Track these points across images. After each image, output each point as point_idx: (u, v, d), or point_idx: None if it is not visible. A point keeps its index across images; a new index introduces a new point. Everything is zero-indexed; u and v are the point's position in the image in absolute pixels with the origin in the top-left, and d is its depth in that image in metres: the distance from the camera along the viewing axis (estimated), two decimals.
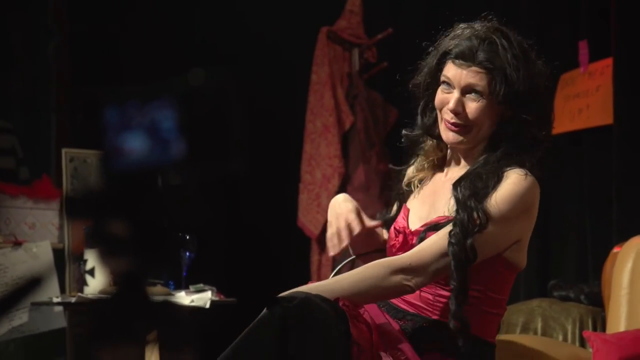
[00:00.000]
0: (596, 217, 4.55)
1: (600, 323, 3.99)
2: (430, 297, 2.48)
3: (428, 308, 2.48)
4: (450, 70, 2.51)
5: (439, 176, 2.66)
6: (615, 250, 3.74)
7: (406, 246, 2.51)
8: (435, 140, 2.64)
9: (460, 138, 2.51)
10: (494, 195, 2.40)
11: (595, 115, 4.59)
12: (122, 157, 1.07)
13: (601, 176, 4.53)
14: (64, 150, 4.52)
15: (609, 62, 4.51)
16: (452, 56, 2.51)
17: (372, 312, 2.47)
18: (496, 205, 2.39)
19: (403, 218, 2.61)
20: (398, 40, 5.53)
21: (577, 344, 3.94)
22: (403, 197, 2.69)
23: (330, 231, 2.62)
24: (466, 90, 2.49)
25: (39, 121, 5.69)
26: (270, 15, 5.66)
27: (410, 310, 2.49)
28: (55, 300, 4.11)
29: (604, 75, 4.55)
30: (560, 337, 3.99)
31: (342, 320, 2.26)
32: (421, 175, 2.67)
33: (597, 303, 4.04)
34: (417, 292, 2.46)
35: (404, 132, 2.68)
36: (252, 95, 4.68)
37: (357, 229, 2.60)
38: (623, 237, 3.80)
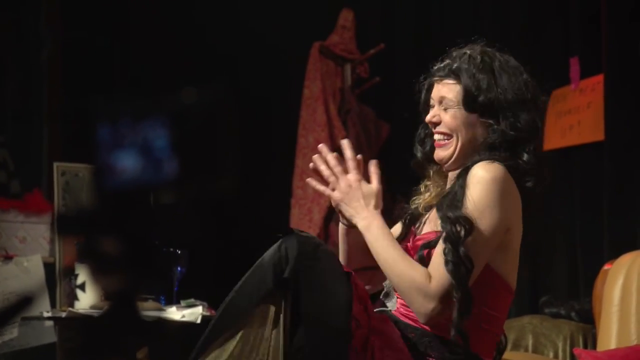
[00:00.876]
0: (587, 233, 4.56)
1: (590, 340, 3.99)
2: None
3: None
4: (433, 90, 2.60)
5: None
6: (606, 267, 3.74)
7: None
8: (437, 166, 2.68)
9: (445, 153, 2.55)
10: (466, 194, 2.42)
11: (586, 132, 4.60)
12: (115, 174, 1.07)
13: (592, 193, 4.54)
14: (55, 164, 4.52)
15: (600, 78, 4.53)
16: (433, 76, 2.60)
17: (379, 318, 2.51)
18: (472, 202, 2.41)
19: (411, 237, 2.63)
20: (390, 56, 5.55)
21: None
22: (411, 220, 2.71)
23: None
24: (441, 102, 2.56)
25: (30, 133, 5.68)
26: (262, 30, 5.67)
27: (411, 324, 2.51)
28: (45, 314, 4.09)
29: (595, 92, 4.57)
30: (551, 354, 3.99)
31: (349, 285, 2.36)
32: (427, 200, 2.68)
33: (587, 320, 4.04)
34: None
35: (412, 162, 2.73)
36: (244, 110, 4.68)
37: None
38: (614, 254, 3.80)
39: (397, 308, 2.58)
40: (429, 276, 2.41)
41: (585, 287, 4.36)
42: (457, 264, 2.37)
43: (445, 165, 2.60)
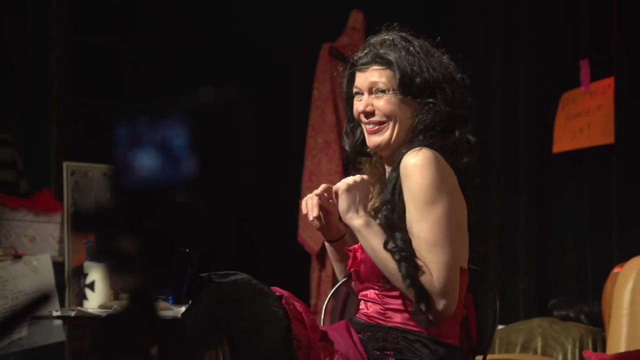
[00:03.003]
0: (597, 236, 4.55)
1: (600, 343, 3.99)
2: (380, 307, 2.53)
3: (380, 317, 2.53)
4: (357, 79, 2.60)
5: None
6: (615, 270, 3.73)
7: (356, 261, 2.56)
8: (371, 159, 2.68)
9: (381, 138, 2.56)
10: (405, 190, 2.44)
11: (596, 134, 4.59)
12: (133, 173, 1.07)
13: (602, 195, 4.53)
14: (65, 164, 4.52)
15: (610, 81, 4.52)
16: (356, 66, 2.60)
17: (336, 328, 2.57)
18: (413, 195, 2.42)
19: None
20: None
21: None
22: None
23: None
24: (371, 90, 2.56)
25: (38, 133, 5.68)
26: (272, 31, 5.67)
27: (367, 322, 2.55)
28: (54, 314, 4.09)
29: (605, 95, 4.56)
30: (560, 357, 3.99)
31: (284, 314, 2.37)
32: (373, 203, 2.67)
33: (597, 323, 4.04)
34: (370, 304, 2.55)
35: (348, 148, 2.73)
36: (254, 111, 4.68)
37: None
38: (623, 257, 3.80)
39: (360, 310, 2.62)
40: (431, 274, 2.42)
41: (594, 290, 4.35)
42: (400, 250, 2.41)
43: (382, 152, 2.60)
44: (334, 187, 2.54)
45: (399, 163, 2.47)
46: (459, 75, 2.59)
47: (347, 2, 5.62)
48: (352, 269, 2.58)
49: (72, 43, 5.78)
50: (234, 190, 1.05)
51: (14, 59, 5.70)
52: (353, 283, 2.68)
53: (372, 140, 2.57)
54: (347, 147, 2.71)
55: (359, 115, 2.58)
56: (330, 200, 2.60)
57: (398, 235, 2.43)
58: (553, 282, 4.79)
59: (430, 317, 2.43)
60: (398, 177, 2.45)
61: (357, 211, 2.49)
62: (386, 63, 2.53)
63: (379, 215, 2.49)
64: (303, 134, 5.50)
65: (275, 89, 5.69)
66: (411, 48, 2.54)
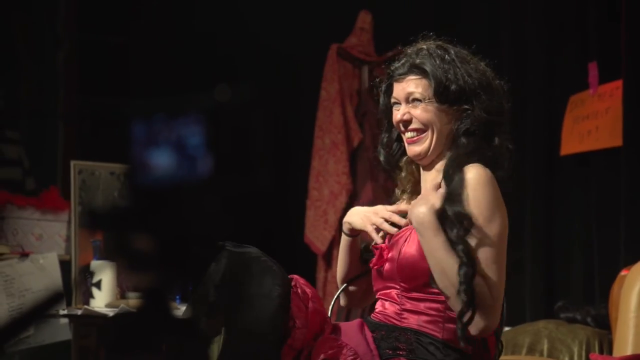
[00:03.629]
0: (604, 238, 4.54)
1: (606, 345, 3.98)
2: (397, 307, 2.54)
3: (396, 317, 2.54)
4: (395, 89, 2.62)
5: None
6: (623, 272, 3.73)
7: (381, 259, 2.58)
8: (406, 167, 2.70)
9: (420, 147, 2.57)
10: (470, 199, 2.43)
11: (604, 137, 4.58)
12: (148, 171, 1.07)
13: (609, 198, 4.52)
14: (72, 162, 4.52)
15: (618, 84, 4.51)
16: (393, 77, 2.63)
17: (351, 325, 2.57)
18: (478, 208, 2.43)
19: (388, 237, 2.65)
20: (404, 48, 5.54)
21: None
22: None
23: (376, 219, 2.64)
24: (409, 100, 2.58)
25: (45, 131, 5.69)
26: (280, 31, 5.67)
27: (382, 322, 2.56)
28: (61, 312, 4.10)
29: (614, 97, 4.55)
30: (567, 359, 3.98)
31: (285, 290, 2.41)
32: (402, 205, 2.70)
33: (603, 325, 4.03)
34: (388, 304, 2.57)
35: (382, 159, 2.74)
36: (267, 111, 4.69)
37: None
38: (631, 260, 3.79)
39: (376, 310, 2.63)
40: (489, 291, 2.41)
41: (601, 292, 4.34)
42: (466, 266, 2.38)
43: (422, 160, 2.61)
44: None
45: (450, 173, 2.48)
46: (497, 81, 2.60)
47: (355, 2, 5.62)
48: (375, 267, 2.60)
49: (79, 41, 5.78)
50: (249, 189, 1.05)
51: (22, 57, 5.71)
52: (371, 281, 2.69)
53: (412, 150, 2.59)
54: (381, 158, 2.73)
55: (398, 125, 2.61)
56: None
57: (467, 243, 2.42)
58: (560, 284, 4.78)
59: (471, 330, 2.42)
60: (461, 188, 2.44)
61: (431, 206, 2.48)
62: (422, 72, 2.55)
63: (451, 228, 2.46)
64: (310, 134, 5.50)
65: (283, 90, 5.69)
66: (446, 56, 2.56)
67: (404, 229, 2.59)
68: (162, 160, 1.07)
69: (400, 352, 2.48)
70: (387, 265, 2.56)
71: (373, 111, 5.40)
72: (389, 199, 2.81)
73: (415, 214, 2.45)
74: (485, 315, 2.41)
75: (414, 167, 2.69)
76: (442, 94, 2.53)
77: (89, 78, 5.67)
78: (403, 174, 2.71)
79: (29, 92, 5.72)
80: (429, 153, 2.57)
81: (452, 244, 2.40)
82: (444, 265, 2.41)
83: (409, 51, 2.63)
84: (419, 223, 2.45)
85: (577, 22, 4.80)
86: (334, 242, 5.31)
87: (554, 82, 4.88)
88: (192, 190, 1.07)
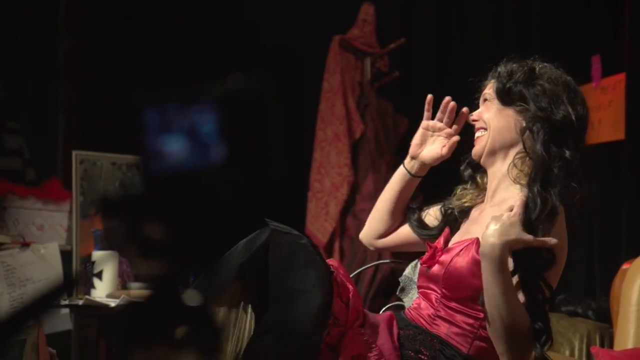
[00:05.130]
0: (605, 232, 4.54)
1: (607, 339, 3.98)
2: (432, 311, 2.51)
3: (427, 320, 2.52)
4: None
5: (480, 207, 2.67)
6: (624, 266, 3.73)
7: (432, 259, 2.53)
8: (481, 174, 2.70)
9: (477, 147, 2.60)
10: (553, 230, 2.39)
11: (606, 130, 4.58)
12: (160, 160, 1.07)
13: (611, 191, 4.52)
14: (74, 152, 4.51)
15: (621, 77, 4.51)
16: (487, 81, 2.66)
17: (381, 319, 2.53)
18: (554, 236, 2.39)
19: (442, 237, 2.63)
20: (410, 51, 5.54)
21: (584, 359, 3.93)
22: (449, 218, 2.71)
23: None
24: (483, 102, 2.63)
25: (46, 122, 5.68)
26: (283, 23, 5.66)
27: (412, 322, 2.54)
28: (62, 302, 4.09)
29: (617, 90, 4.55)
30: (568, 353, 3.98)
31: (329, 287, 2.37)
32: (462, 203, 2.69)
33: (604, 319, 4.03)
34: (426, 304, 2.53)
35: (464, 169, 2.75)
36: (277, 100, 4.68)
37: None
38: (632, 254, 3.79)
39: (412, 306, 2.60)
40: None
41: (602, 286, 4.34)
42: (536, 291, 2.36)
43: (481, 160, 2.60)
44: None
45: (529, 184, 2.41)
46: (577, 97, 2.53)
47: None
48: (424, 265, 2.55)
49: (80, 33, 5.78)
50: (262, 178, 1.05)
51: (23, 48, 5.70)
52: (416, 274, 2.67)
53: (474, 150, 2.62)
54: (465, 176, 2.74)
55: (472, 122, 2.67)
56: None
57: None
58: (561, 277, 4.77)
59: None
60: (548, 217, 2.38)
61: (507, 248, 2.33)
62: (499, 77, 2.58)
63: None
64: (312, 125, 5.50)
65: (286, 81, 5.68)
66: (528, 65, 2.56)
67: (465, 239, 2.51)
68: (175, 147, 1.06)
69: (422, 357, 2.45)
70: (436, 268, 2.50)
71: (375, 103, 5.40)
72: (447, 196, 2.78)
73: (487, 241, 2.30)
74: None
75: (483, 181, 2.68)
76: (501, 92, 2.54)
77: (90, 69, 5.66)
78: (478, 179, 2.70)
79: (31, 83, 5.71)
80: (485, 151, 2.57)
81: (536, 270, 2.35)
82: (499, 302, 2.30)
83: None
84: (485, 255, 2.31)
85: (581, 15, 4.80)
86: (335, 234, 5.31)
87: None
88: (204, 178, 1.07)
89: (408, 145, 2.81)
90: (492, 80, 2.60)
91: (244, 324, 2.39)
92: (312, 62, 5.60)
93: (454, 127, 2.74)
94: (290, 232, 2.44)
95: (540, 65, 2.57)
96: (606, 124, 4.58)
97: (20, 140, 5.05)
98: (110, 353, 4.16)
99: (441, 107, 2.76)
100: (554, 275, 2.44)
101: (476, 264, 2.39)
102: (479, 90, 2.67)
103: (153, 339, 1.07)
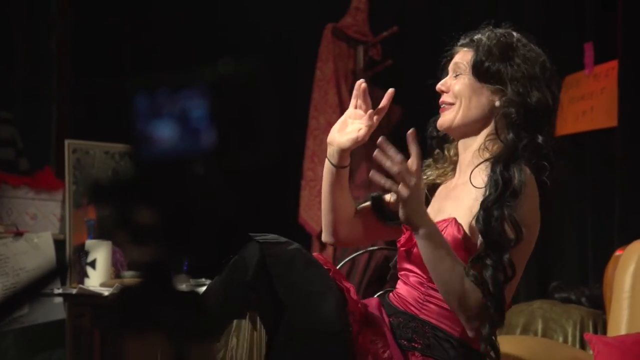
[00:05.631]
0: (598, 219, 4.55)
1: (600, 325, 3.99)
2: (420, 295, 2.49)
3: (416, 306, 2.49)
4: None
5: (452, 181, 2.63)
6: (617, 253, 3.73)
7: (410, 241, 2.49)
8: (448, 145, 2.65)
9: (447, 117, 2.53)
10: (518, 203, 2.35)
11: (599, 118, 4.58)
12: (151, 145, 1.06)
13: (604, 178, 4.53)
14: (67, 142, 4.51)
15: (614, 64, 4.51)
16: (456, 47, 2.60)
17: (369, 305, 2.51)
18: (522, 214, 2.36)
19: None
20: (403, 39, 5.53)
21: (578, 346, 3.94)
22: None
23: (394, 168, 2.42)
24: (454, 71, 2.55)
25: (39, 112, 5.67)
26: (275, 11, 5.65)
27: (400, 308, 2.51)
28: (55, 291, 4.09)
29: (609, 78, 4.55)
30: (561, 339, 3.99)
31: (334, 283, 2.35)
32: (432, 178, 2.65)
33: (598, 305, 4.04)
34: (410, 289, 2.50)
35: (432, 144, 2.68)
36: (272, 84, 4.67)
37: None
38: (625, 240, 3.79)
39: (396, 290, 2.58)
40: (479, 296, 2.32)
41: (595, 272, 4.35)
42: (498, 269, 2.32)
43: (450, 133, 2.57)
44: (399, 195, 2.31)
45: (506, 162, 2.38)
46: (552, 83, 2.51)
47: None
48: (403, 248, 2.51)
49: (73, 22, 5.76)
50: (254, 162, 1.05)
51: (16, 38, 5.69)
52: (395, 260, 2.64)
53: (440, 120, 2.55)
54: (432, 143, 2.67)
55: (438, 91, 2.58)
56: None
57: (491, 261, 2.33)
58: (554, 264, 4.79)
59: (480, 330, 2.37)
60: (519, 191, 2.35)
61: (424, 216, 2.33)
62: (473, 45, 2.51)
63: (478, 221, 2.36)
64: (305, 114, 5.49)
65: (278, 69, 5.67)
66: (504, 39, 2.50)
67: (442, 219, 2.47)
68: (165, 133, 1.06)
69: (415, 345, 2.43)
70: (416, 250, 2.42)
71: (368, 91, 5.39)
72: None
73: (422, 229, 2.31)
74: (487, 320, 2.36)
75: (452, 153, 2.63)
76: (477, 69, 2.48)
77: (83, 58, 5.65)
78: (438, 155, 2.65)
79: (23, 73, 5.70)
80: (453, 125, 2.51)
81: (498, 241, 2.32)
82: (456, 282, 2.32)
83: (482, 29, 2.58)
84: (427, 236, 2.31)
85: (574, 3, 4.79)
86: None
87: (550, 62, 4.86)
88: (195, 163, 1.06)
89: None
90: (466, 50, 2.53)
91: (247, 336, 2.38)
92: (305, 51, 5.60)
93: (370, 112, 2.56)
94: (278, 241, 2.38)
95: (518, 41, 2.52)
96: (599, 111, 4.59)
97: (12, 130, 5.04)
98: (104, 341, 4.16)
99: (354, 92, 2.61)
100: (520, 256, 2.38)
101: (457, 243, 2.39)
102: (448, 54, 2.60)
103: (145, 325, 1.07)
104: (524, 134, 2.43)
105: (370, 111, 2.57)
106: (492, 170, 2.40)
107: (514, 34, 2.55)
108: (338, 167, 2.60)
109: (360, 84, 2.59)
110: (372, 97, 5.55)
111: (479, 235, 2.36)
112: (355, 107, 2.60)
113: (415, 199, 2.28)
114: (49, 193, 4.70)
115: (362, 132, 2.56)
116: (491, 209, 2.34)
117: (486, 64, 2.47)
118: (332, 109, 5.35)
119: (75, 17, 5.75)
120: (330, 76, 5.37)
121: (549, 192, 2.47)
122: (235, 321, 2.41)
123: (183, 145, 1.05)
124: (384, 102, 2.59)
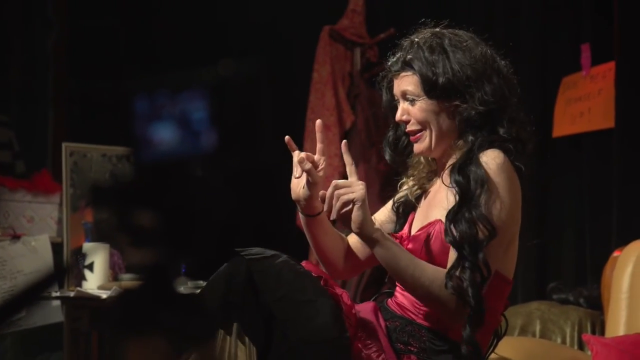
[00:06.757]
0: (596, 220, 4.55)
1: (599, 326, 3.99)
2: (415, 301, 2.49)
3: (413, 311, 2.49)
4: (394, 86, 2.54)
5: (433, 188, 2.62)
6: (615, 254, 3.73)
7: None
8: (425, 158, 2.64)
9: (422, 145, 2.51)
10: (484, 194, 2.36)
11: (596, 119, 4.58)
12: (151, 148, 1.06)
13: (602, 179, 4.53)
14: (64, 145, 4.50)
15: (611, 65, 4.51)
16: (391, 72, 2.54)
17: (364, 309, 2.51)
18: (494, 205, 2.36)
19: (407, 225, 2.61)
20: (400, 41, 5.53)
21: (576, 347, 3.94)
22: (405, 211, 2.66)
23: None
24: (404, 97, 2.51)
25: (36, 114, 5.67)
26: (272, 13, 5.65)
27: (397, 312, 2.52)
28: (53, 294, 4.09)
29: (606, 79, 4.55)
30: (559, 340, 3.99)
31: (326, 290, 2.36)
32: (415, 188, 2.64)
33: (596, 306, 4.04)
34: (407, 295, 2.50)
35: (388, 158, 2.66)
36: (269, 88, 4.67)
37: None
38: (623, 241, 3.79)
39: (394, 294, 2.58)
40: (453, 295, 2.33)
41: (593, 273, 4.35)
42: (474, 271, 2.33)
43: (428, 155, 2.56)
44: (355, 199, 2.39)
45: (459, 168, 2.39)
46: (498, 63, 2.50)
47: None
48: None
49: (69, 24, 5.76)
50: (254, 164, 1.05)
51: (12, 40, 5.68)
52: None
53: (415, 148, 2.53)
54: (387, 157, 2.65)
55: (400, 122, 2.54)
56: (320, 173, 2.55)
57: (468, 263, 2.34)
58: (552, 265, 4.79)
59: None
60: (476, 188, 2.35)
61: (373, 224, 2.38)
62: (412, 69, 2.46)
63: (453, 229, 2.36)
64: (302, 116, 5.49)
65: (275, 72, 5.68)
66: (438, 47, 2.45)
67: (427, 223, 2.48)
68: (165, 135, 1.06)
69: (412, 349, 2.44)
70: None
71: (365, 93, 5.39)
72: (382, 182, 2.77)
73: (375, 234, 2.37)
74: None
75: (430, 158, 2.62)
76: (431, 90, 2.44)
77: (79, 61, 5.65)
78: (416, 159, 2.63)
79: (20, 75, 5.69)
80: (432, 149, 2.50)
81: (470, 244, 2.33)
82: (423, 284, 2.35)
83: (404, 44, 2.52)
84: (382, 245, 2.37)
85: (570, 4, 4.80)
86: None
87: (547, 64, 4.87)
88: (195, 165, 1.06)
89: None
90: (405, 74, 2.48)
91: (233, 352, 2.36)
92: (302, 53, 5.59)
93: (300, 157, 2.59)
94: (264, 256, 2.39)
95: (449, 40, 2.47)
96: (596, 113, 4.59)
97: (9, 132, 5.03)
98: (102, 344, 4.16)
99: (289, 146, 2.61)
100: (495, 255, 2.38)
101: (445, 244, 2.39)
102: (385, 69, 2.55)
103: (145, 327, 1.07)
104: (481, 133, 2.43)
105: (300, 156, 2.58)
106: (450, 180, 2.42)
107: (445, 33, 2.51)
108: (314, 216, 2.62)
109: (289, 140, 2.62)
110: (369, 99, 5.55)
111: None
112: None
113: (366, 207, 2.35)
114: (46, 196, 4.70)
115: (321, 173, 2.58)
116: (455, 219, 2.35)
117: (433, 80, 2.43)
118: (330, 111, 5.34)
119: (71, 19, 5.75)
120: (328, 78, 5.36)
121: (525, 176, 2.48)
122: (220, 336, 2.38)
123: (182, 147, 1.05)
124: (320, 134, 2.64)
